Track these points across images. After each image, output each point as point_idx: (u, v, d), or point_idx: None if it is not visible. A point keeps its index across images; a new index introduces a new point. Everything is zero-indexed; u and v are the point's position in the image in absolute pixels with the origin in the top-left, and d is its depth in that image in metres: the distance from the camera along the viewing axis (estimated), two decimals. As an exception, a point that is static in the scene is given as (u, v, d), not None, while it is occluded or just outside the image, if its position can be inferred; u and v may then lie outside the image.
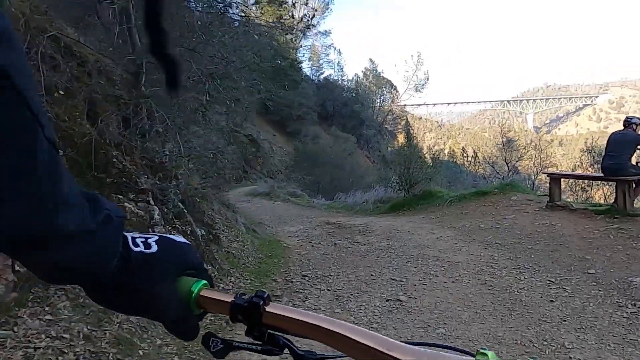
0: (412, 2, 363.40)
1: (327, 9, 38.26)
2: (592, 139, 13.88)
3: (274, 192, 14.10)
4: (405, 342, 0.46)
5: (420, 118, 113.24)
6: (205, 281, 0.58)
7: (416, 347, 0.46)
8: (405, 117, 45.88)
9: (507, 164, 13.86)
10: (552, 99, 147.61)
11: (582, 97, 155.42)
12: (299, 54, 37.67)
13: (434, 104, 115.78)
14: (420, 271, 4.22)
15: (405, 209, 7.92)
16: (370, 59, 41.39)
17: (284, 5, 31.45)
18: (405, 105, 42.95)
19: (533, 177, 14.53)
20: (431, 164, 9.93)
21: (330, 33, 38.71)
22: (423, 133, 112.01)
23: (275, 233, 6.48)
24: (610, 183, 8.38)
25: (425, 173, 8.87)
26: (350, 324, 0.51)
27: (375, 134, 37.84)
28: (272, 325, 0.56)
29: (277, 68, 31.30)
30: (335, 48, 39.03)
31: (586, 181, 10.49)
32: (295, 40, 36.78)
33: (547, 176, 7.03)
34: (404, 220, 6.62)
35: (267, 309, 0.56)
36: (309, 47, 38.87)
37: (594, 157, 11.14)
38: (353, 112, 36.00)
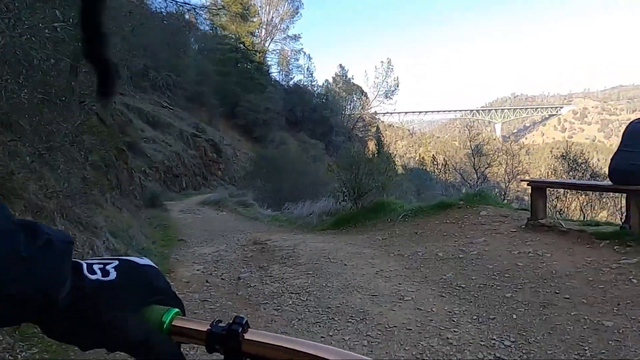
0: (383, 9, 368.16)
1: (297, 14, 37.38)
2: (567, 145, 13.02)
3: (224, 201, 12.69)
4: None
5: (392, 126, 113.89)
6: (177, 309, 0.52)
7: None
8: (376, 124, 45.24)
9: (475, 170, 12.80)
10: (519, 109, 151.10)
11: (547, 107, 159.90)
12: (268, 58, 36.77)
13: (406, 113, 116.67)
14: (330, 340, 2.62)
15: (350, 224, 6.45)
16: (341, 65, 40.67)
17: (250, 9, 30.37)
18: (376, 112, 42.31)
19: (504, 185, 13.71)
20: (386, 169, 8.44)
21: (300, 38, 37.90)
22: (395, 141, 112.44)
23: (180, 258, 4.99)
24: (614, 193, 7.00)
25: (377, 180, 7.43)
26: (338, 349, 0.49)
27: (345, 140, 37.00)
28: (252, 354, 0.52)
29: (242, 71, 30.38)
30: (305, 53, 38.18)
31: (563, 190, 8.96)
32: (263, 43, 35.81)
33: (529, 184, 5.35)
34: (344, 241, 5.13)
35: (246, 336, 0.51)
36: (278, 51, 37.91)
37: (569, 164, 10.22)
38: (322, 118, 35.37)
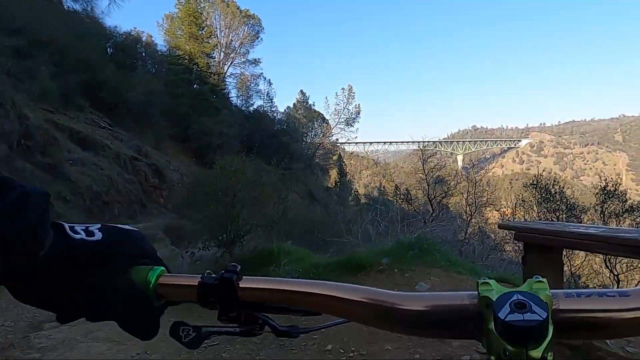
0: (346, 37, 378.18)
1: (257, 38, 36.56)
2: (538, 174, 11.90)
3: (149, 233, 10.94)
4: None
5: (357, 155, 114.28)
6: (162, 267, 0.50)
7: (420, 294, 0.46)
8: (337, 152, 44.37)
9: (430, 201, 11.40)
10: (480, 141, 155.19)
11: (506, 140, 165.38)
12: (227, 82, 35.52)
13: (371, 143, 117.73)
14: None
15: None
16: (302, 91, 39.74)
17: (206, 29, 29.21)
18: (337, 140, 41.44)
19: (466, 217, 12.59)
20: (280, 199, 6.35)
21: (260, 62, 36.98)
22: (360, 170, 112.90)
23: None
24: None
25: (264, 215, 5.28)
26: (336, 283, 0.47)
27: (305, 168, 35.88)
28: (249, 302, 0.49)
29: (196, 93, 28.93)
30: (265, 78, 37.19)
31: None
32: (221, 66, 34.59)
33: (518, 235, 2.79)
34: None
35: (241, 284, 0.49)
36: (238, 75, 36.76)
37: (541, 194, 9.12)
38: (281, 145, 34.18)
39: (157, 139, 24.92)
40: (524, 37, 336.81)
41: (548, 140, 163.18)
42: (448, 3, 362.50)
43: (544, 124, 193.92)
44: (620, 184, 9.79)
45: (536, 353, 0.34)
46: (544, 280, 0.41)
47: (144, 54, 30.48)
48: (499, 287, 0.38)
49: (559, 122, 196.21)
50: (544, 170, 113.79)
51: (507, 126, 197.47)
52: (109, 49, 27.27)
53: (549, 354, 0.35)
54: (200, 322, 0.50)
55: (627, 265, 7.67)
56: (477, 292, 0.39)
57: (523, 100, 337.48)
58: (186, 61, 27.41)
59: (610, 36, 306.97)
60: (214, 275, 0.47)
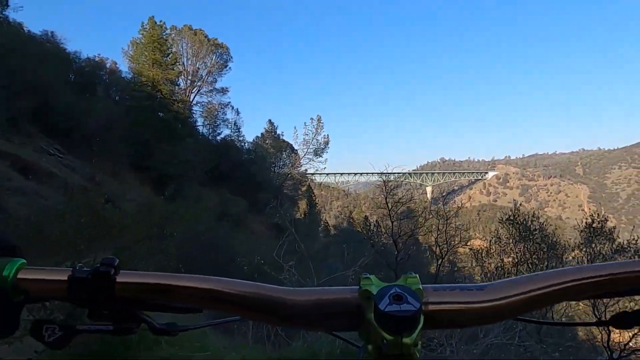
0: (317, 68, 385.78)
1: (226, 67, 36.10)
2: (516, 205, 11.24)
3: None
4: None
5: (328, 186, 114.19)
6: (22, 260, 0.44)
7: (306, 289, 0.46)
8: (307, 183, 43.80)
9: (395, 241, 10.60)
10: (448, 173, 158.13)
11: (473, 172, 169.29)
12: (193, 110, 34.70)
13: (341, 174, 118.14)
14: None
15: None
16: (270, 121, 39.22)
17: (171, 56, 28.52)
18: (306, 171, 40.94)
19: (437, 250, 11.96)
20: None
21: (228, 91, 36.42)
22: (330, 201, 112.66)
23: None
24: None
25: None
26: (228, 278, 0.45)
27: (273, 198, 35.04)
28: (127, 298, 0.44)
29: (159, 120, 27.90)
30: (233, 107, 36.61)
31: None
32: (188, 94, 33.84)
33: None
34: None
35: (119, 278, 0.44)
36: (205, 104, 36.06)
37: (519, 232, 8.43)
38: (249, 175, 33.44)
39: (114, 168, 23.68)
40: (489, 75, 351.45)
41: (513, 173, 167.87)
42: (418, 36, 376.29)
43: (509, 156, 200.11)
44: (607, 220, 9.26)
45: (409, 340, 0.38)
46: (416, 275, 0.45)
47: (106, 80, 29.51)
48: (378, 282, 0.42)
49: (523, 155, 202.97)
50: (509, 202, 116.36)
51: (474, 158, 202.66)
52: (69, 74, 26.20)
53: (419, 341, 0.38)
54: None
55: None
56: (358, 287, 0.42)
57: (489, 134, 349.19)
58: (149, 88, 26.46)
59: (571, 75, 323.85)
60: (86, 268, 0.44)
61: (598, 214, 10.53)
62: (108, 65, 33.99)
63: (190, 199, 23.96)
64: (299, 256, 5.86)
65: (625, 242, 10.85)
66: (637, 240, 11.14)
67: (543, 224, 9.94)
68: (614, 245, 10.29)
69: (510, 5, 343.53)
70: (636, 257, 12.05)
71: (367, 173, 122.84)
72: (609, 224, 11.78)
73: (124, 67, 30.33)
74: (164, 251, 7.16)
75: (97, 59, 30.79)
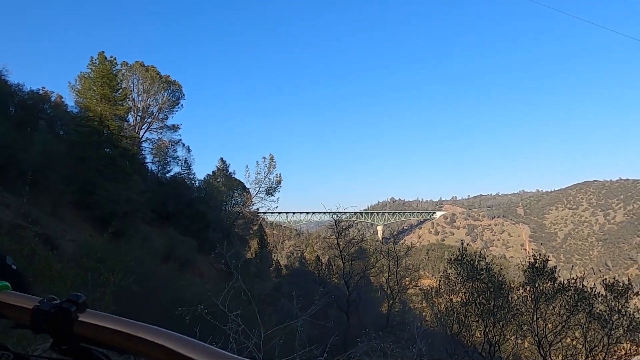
0: (270, 106, 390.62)
1: (177, 104, 35.75)
2: (462, 245, 11.58)
3: None
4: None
5: (280, 225, 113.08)
6: (5, 283, 0.47)
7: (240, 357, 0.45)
8: (258, 222, 43.20)
9: (346, 282, 10.53)
10: (398, 212, 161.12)
11: (422, 212, 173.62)
12: (142, 147, 33.81)
13: (294, 213, 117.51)
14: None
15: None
16: (222, 159, 38.76)
17: (120, 92, 27.88)
18: (258, 210, 40.39)
19: (388, 291, 11.94)
20: None
21: (179, 128, 35.91)
22: (282, 240, 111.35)
23: None
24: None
25: None
26: (188, 338, 0.45)
27: (223, 238, 34.17)
28: (86, 337, 0.44)
29: (104, 157, 26.86)
30: (184, 145, 35.98)
31: None
32: (137, 130, 33.03)
33: None
34: None
35: (82, 317, 0.45)
36: (155, 141, 35.29)
37: (467, 272, 8.61)
38: (198, 213, 32.53)
39: (54, 205, 22.35)
40: (434, 121, 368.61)
41: (460, 213, 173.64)
42: (368, 79, 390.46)
43: (456, 197, 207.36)
44: (548, 260, 9.63)
45: None
46: None
47: (51, 114, 28.36)
48: None
49: (469, 195, 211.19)
50: (457, 242, 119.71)
51: (422, 199, 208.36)
52: (10, 107, 25.00)
53: None
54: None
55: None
56: None
57: (436, 175, 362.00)
58: (96, 123, 25.59)
59: (510, 122, 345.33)
60: (55, 301, 0.45)
61: (539, 253, 10.90)
62: (53, 99, 32.82)
63: (136, 239, 22.90)
64: (248, 299, 5.63)
65: (566, 281, 11.32)
66: (576, 280, 11.67)
67: (489, 263, 10.19)
68: (555, 285, 10.69)
69: (454, 53, 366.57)
70: (576, 295, 12.62)
71: (319, 212, 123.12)
72: (550, 263, 12.31)
73: (70, 101, 29.37)
74: (98, 299, 6.68)
75: (41, 92, 29.69)
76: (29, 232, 17.15)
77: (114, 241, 22.80)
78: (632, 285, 11.52)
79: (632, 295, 11.37)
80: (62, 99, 33.58)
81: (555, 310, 11.34)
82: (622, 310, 11.06)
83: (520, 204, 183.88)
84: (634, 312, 11.32)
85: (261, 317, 4.64)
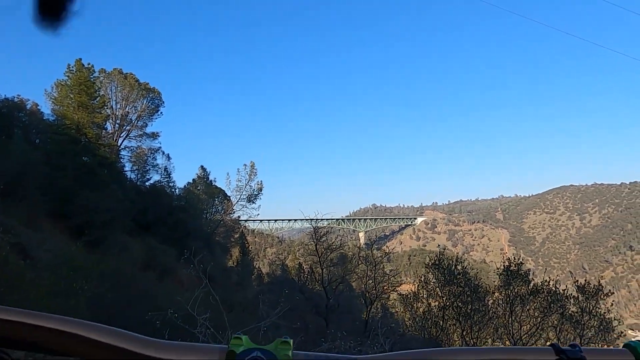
0: (251, 113, 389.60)
1: (157, 112, 35.46)
2: (439, 253, 11.75)
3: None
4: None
5: (262, 233, 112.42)
6: None
7: (172, 343, 0.44)
8: (239, 230, 42.94)
9: (324, 288, 10.59)
10: (380, 218, 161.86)
11: (403, 218, 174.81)
12: (121, 155, 33.38)
13: (275, 220, 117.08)
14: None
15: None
16: (202, 167, 38.52)
17: (98, 99, 27.55)
18: (239, 217, 40.20)
19: (366, 305, 12.01)
20: None
21: (159, 136, 35.56)
22: (264, 248, 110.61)
23: None
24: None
25: None
26: (97, 324, 0.44)
27: (204, 246, 33.90)
28: None
29: (81, 165, 26.46)
30: (164, 152, 35.62)
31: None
32: (116, 138, 32.62)
33: None
34: None
35: None
36: (134, 148, 34.87)
37: (444, 276, 8.81)
38: (178, 222, 32.19)
39: (30, 215, 21.92)
40: (416, 127, 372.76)
41: (441, 218, 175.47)
42: (351, 86, 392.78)
43: (436, 202, 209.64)
44: (522, 263, 9.89)
45: None
46: (290, 341, 0.44)
47: (26, 122, 27.81)
48: (248, 343, 0.41)
49: (449, 201, 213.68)
50: (438, 247, 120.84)
51: (404, 204, 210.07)
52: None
53: None
54: None
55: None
56: (227, 346, 0.41)
57: (417, 181, 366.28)
58: (73, 131, 25.24)
59: (489, 126, 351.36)
60: None
61: (514, 256, 11.16)
62: (29, 107, 32.17)
63: (114, 248, 22.58)
64: (225, 306, 5.63)
65: (540, 283, 11.61)
66: (549, 282, 11.97)
67: (466, 267, 10.40)
68: (529, 287, 10.94)
69: (437, 58, 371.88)
70: (549, 297, 12.92)
71: (300, 219, 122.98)
72: (526, 267, 12.60)
73: (47, 109, 28.88)
74: (73, 308, 6.62)
75: (16, 99, 29.11)
76: (1, 241, 16.85)
77: (91, 250, 22.48)
78: (602, 287, 11.89)
79: (602, 297, 11.72)
80: (38, 107, 32.94)
81: (530, 312, 11.63)
82: (593, 311, 11.39)
83: (499, 209, 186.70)
84: (604, 313, 11.68)
85: (236, 324, 4.66)
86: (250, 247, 52.04)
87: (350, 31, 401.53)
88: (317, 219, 17.34)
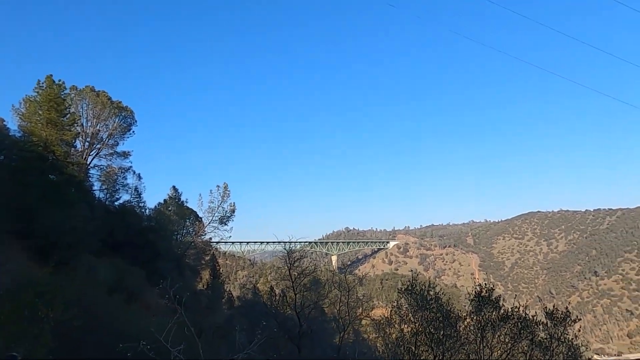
0: (224, 135, 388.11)
1: (129, 130, 34.89)
2: (413, 275, 11.83)
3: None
4: None
5: (233, 255, 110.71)
6: None
7: None
8: (210, 252, 42.15)
9: (297, 314, 10.46)
10: (353, 242, 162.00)
11: (376, 242, 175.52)
12: (90, 174, 32.53)
13: (247, 242, 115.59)
14: None
15: None
16: (174, 187, 37.86)
17: (69, 116, 26.94)
18: (211, 239, 39.47)
19: (340, 322, 11.92)
20: None
21: (130, 155, 34.91)
22: (235, 271, 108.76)
23: None
24: None
25: None
26: None
27: (173, 268, 33.16)
28: None
29: (48, 183, 25.66)
30: (134, 172, 34.93)
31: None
32: (85, 157, 31.85)
33: None
34: None
35: None
36: (104, 167, 34.07)
37: (417, 302, 8.84)
38: (148, 243, 31.39)
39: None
40: (388, 153, 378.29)
41: (412, 242, 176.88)
42: (325, 109, 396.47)
43: (409, 227, 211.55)
44: (493, 289, 10.02)
45: None
46: None
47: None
48: None
49: (421, 225, 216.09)
50: (410, 271, 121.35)
51: (376, 228, 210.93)
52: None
53: None
54: None
55: None
56: None
57: (390, 205, 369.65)
58: (40, 148, 24.52)
59: (458, 154, 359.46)
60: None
61: (485, 282, 11.30)
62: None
63: (80, 270, 21.78)
64: (192, 334, 5.49)
65: (510, 309, 11.77)
66: (519, 308, 12.16)
67: (438, 293, 10.47)
68: (500, 313, 11.08)
69: (406, 80, 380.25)
70: (519, 323, 13.11)
71: (273, 242, 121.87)
72: (497, 292, 12.79)
73: (14, 125, 28.01)
74: (36, 336, 6.31)
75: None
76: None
77: (56, 273, 21.58)
78: (570, 313, 12.15)
79: (570, 323, 11.97)
80: (4, 122, 31.99)
81: (501, 338, 11.75)
82: (562, 337, 11.61)
83: (469, 234, 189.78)
84: (572, 339, 11.91)
85: (207, 352, 4.50)
86: (221, 269, 51.14)
87: (328, 48, 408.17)
88: (289, 242, 17.17)
